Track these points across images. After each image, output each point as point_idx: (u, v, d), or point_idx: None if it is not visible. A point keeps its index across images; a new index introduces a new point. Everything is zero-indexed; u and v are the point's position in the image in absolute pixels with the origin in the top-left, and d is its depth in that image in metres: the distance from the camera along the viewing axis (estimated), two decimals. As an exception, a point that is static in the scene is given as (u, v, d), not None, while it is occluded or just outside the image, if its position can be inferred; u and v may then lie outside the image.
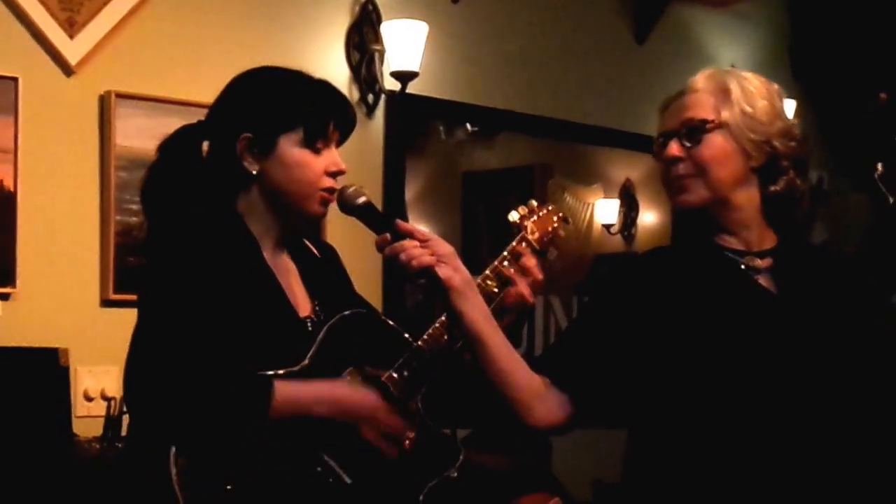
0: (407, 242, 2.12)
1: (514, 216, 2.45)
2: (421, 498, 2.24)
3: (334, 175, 2.29)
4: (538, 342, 5.14)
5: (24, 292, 3.63)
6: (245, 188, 2.28)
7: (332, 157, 2.29)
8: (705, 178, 2.17)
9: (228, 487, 2.08)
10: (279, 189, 2.26)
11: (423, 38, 4.43)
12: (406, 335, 2.34)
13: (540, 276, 2.39)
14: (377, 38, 4.50)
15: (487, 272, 2.36)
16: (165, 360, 2.08)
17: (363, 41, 4.53)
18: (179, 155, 2.31)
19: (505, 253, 2.38)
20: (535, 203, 2.49)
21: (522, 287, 2.36)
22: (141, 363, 2.11)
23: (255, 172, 2.25)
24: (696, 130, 2.17)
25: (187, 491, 2.04)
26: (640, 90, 5.34)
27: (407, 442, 2.25)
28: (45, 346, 3.46)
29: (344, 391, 2.23)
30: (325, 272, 2.41)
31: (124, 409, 3.16)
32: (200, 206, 2.29)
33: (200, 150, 2.33)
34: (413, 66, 4.43)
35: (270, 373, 2.15)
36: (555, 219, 2.49)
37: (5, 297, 3.61)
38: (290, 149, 2.25)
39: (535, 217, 2.46)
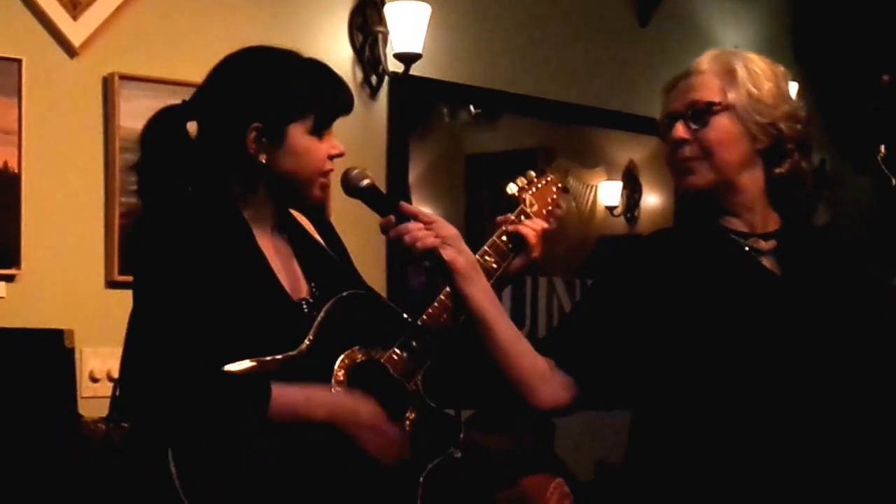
0: (411, 224, 2.13)
1: (512, 188, 2.42)
2: (421, 479, 2.22)
3: (332, 158, 2.28)
4: (541, 324, 5.15)
5: (29, 274, 3.64)
6: (245, 175, 2.25)
7: (332, 140, 2.28)
8: (711, 160, 2.17)
9: (227, 478, 2.07)
10: (286, 177, 2.24)
11: (426, 19, 4.43)
12: (404, 315, 2.33)
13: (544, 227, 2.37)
14: (381, 20, 4.50)
15: (486, 248, 2.34)
16: (159, 357, 2.07)
17: (366, 23, 4.52)
18: (163, 136, 2.27)
19: (503, 227, 2.37)
20: (533, 174, 2.46)
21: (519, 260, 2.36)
22: (135, 359, 2.10)
23: (263, 161, 2.22)
24: (702, 112, 2.17)
25: (187, 486, 2.03)
26: (643, 72, 5.34)
27: (408, 421, 2.24)
28: (50, 327, 3.46)
29: (343, 398, 2.20)
30: (322, 253, 2.40)
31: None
32: (193, 190, 2.27)
33: (185, 131, 2.29)
34: (416, 47, 4.43)
35: (268, 358, 2.13)
36: (554, 189, 2.46)
37: (10, 278, 3.62)
38: (299, 137, 2.23)
39: (534, 189, 2.43)
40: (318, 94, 2.25)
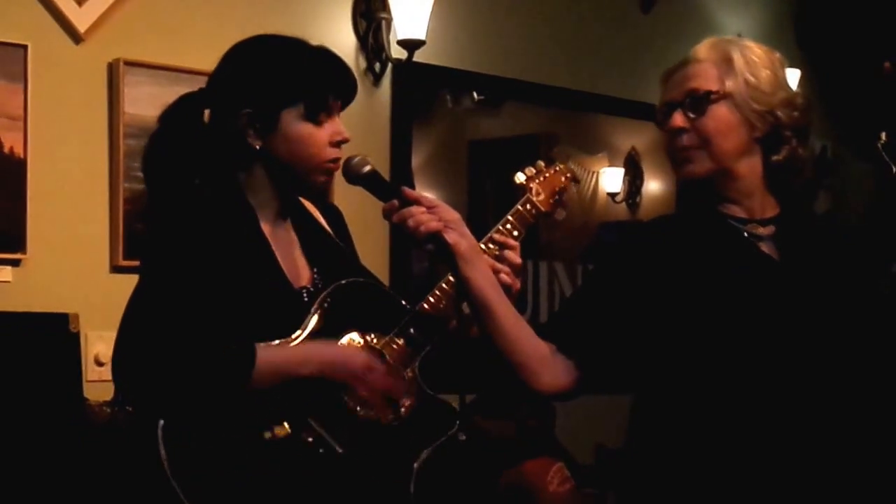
0: (415, 208, 2.13)
1: (520, 177, 2.41)
2: (415, 466, 2.23)
3: (338, 144, 2.27)
4: (543, 309, 5.16)
5: (35, 258, 3.65)
6: (247, 162, 2.26)
7: (335, 126, 2.26)
8: (709, 149, 2.18)
9: (217, 463, 2.08)
10: (283, 164, 2.24)
11: (429, 6, 4.42)
12: (403, 302, 2.33)
13: (517, 260, 2.34)
14: (384, 7, 4.50)
15: (491, 235, 2.34)
16: (151, 333, 2.08)
17: (370, 9, 4.52)
18: (180, 124, 2.28)
19: (508, 216, 2.37)
20: (542, 163, 2.45)
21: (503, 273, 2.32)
22: (127, 336, 2.11)
23: (257, 147, 2.23)
24: (700, 101, 2.17)
25: (176, 466, 2.05)
26: (646, 59, 5.33)
27: (403, 408, 2.25)
28: (55, 311, 3.49)
29: (333, 349, 2.21)
30: (328, 241, 2.40)
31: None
32: (200, 177, 2.28)
33: (201, 119, 2.30)
34: (420, 34, 4.42)
35: (262, 345, 2.14)
36: (563, 178, 2.45)
37: (16, 262, 3.63)
38: (293, 123, 2.22)
39: (542, 178, 2.42)
40: (308, 81, 2.23)
